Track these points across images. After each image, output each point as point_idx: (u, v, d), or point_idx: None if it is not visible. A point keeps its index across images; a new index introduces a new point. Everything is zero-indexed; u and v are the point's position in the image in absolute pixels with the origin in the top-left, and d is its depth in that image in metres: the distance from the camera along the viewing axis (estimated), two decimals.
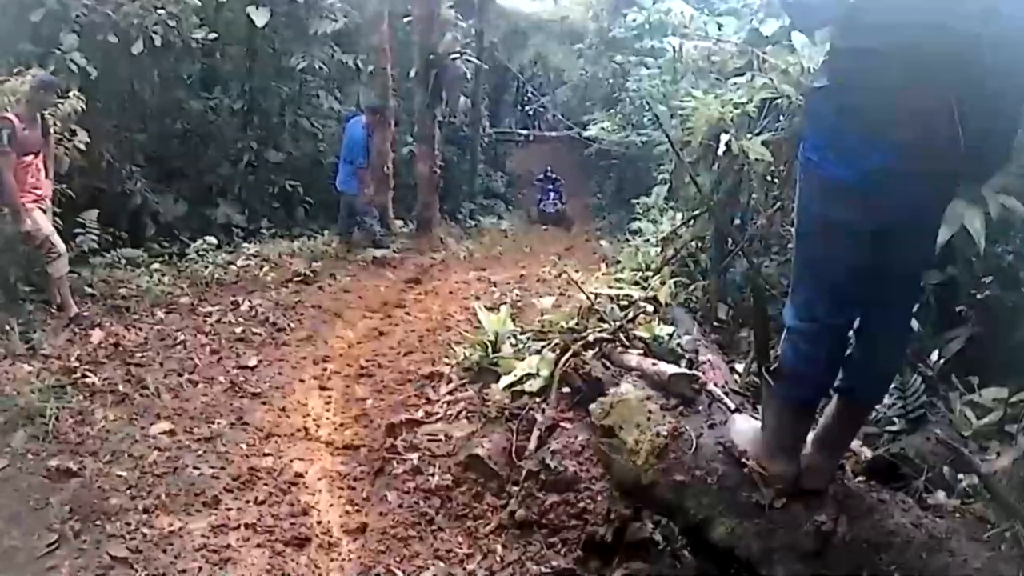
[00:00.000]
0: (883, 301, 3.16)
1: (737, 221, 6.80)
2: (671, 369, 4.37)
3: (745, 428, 3.70)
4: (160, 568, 4.33)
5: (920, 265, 3.33)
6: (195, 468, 5.30)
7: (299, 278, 10.08)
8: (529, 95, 19.76)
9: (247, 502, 4.93)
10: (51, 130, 7.99)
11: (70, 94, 8.77)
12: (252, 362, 7.27)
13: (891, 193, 2.83)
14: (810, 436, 3.38)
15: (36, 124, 7.66)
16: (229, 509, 4.85)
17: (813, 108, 3.08)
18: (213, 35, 11.84)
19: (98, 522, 4.71)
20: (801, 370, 3.25)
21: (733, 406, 4.11)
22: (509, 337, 6.52)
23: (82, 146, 8.87)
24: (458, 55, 13.71)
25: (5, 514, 4.81)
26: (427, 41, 12.72)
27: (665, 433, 3.86)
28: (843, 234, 2.95)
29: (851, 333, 3.24)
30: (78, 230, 9.21)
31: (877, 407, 4.08)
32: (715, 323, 6.59)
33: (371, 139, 11.76)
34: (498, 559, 4.11)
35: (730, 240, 6.51)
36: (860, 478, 3.62)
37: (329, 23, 13.30)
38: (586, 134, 14.72)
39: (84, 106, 8.76)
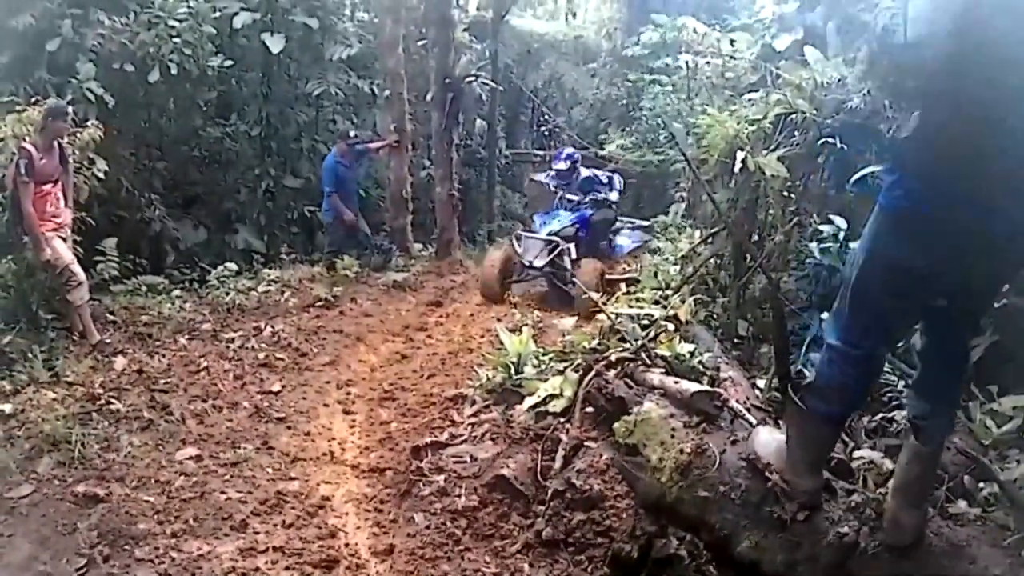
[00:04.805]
0: (947, 334, 3.19)
1: (755, 237, 6.82)
2: (693, 387, 4.42)
3: (768, 440, 3.75)
4: None
5: (988, 303, 3.36)
6: (222, 492, 5.34)
7: (320, 303, 10.10)
8: (544, 116, 19.80)
9: (275, 525, 4.96)
10: (69, 159, 8.07)
11: (88, 123, 8.87)
12: (276, 387, 7.31)
13: (973, 238, 2.84)
14: (890, 487, 3.39)
15: (54, 153, 7.73)
16: (257, 533, 4.88)
17: (902, 151, 3.03)
18: (229, 62, 11.97)
19: (127, 547, 4.75)
20: (835, 387, 3.30)
21: (755, 422, 4.15)
22: (531, 358, 6.53)
23: (101, 174, 8.95)
24: (474, 78, 13.80)
25: (34, 539, 4.86)
26: (443, 65, 12.79)
27: (688, 450, 3.91)
28: (911, 274, 2.99)
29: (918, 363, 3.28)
30: (98, 258, 9.27)
31: (899, 419, 4.11)
32: (735, 340, 6.61)
33: (344, 167, 11.88)
34: None
35: (748, 256, 6.53)
36: (881, 490, 3.64)
37: (344, 48, 13.43)
38: (601, 153, 14.76)
39: (102, 135, 8.85)
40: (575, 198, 11.11)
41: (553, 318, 9.07)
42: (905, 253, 2.96)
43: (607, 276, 10.14)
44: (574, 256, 10.49)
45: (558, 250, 10.41)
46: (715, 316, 6.91)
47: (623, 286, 8.18)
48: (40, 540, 4.85)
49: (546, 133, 22.19)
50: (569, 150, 12.06)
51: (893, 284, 3.04)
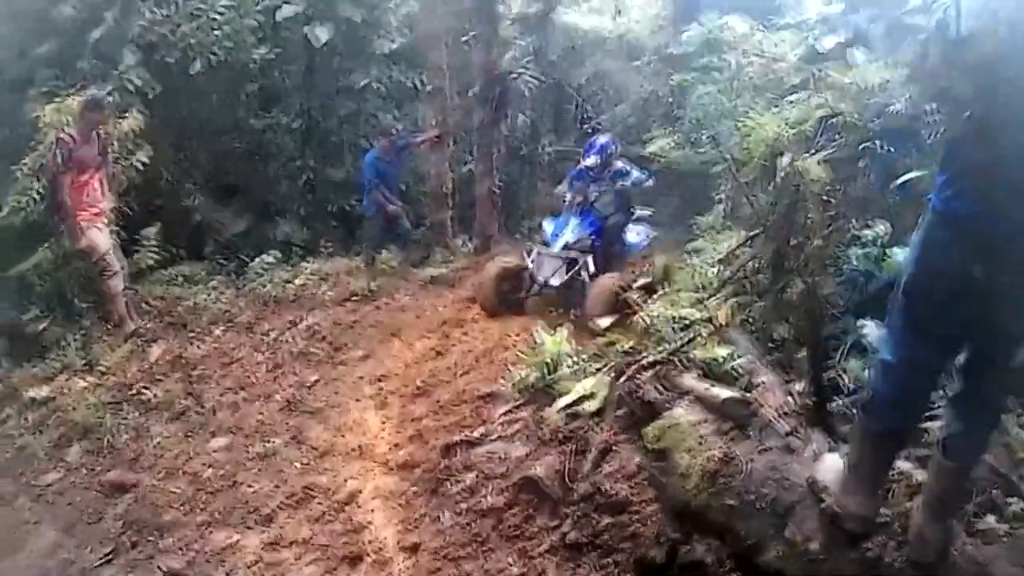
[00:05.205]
0: (993, 348, 3.07)
1: (794, 241, 6.74)
2: (725, 393, 4.37)
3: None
4: None
5: None
6: (250, 485, 5.40)
7: (358, 296, 10.15)
8: (589, 113, 19.72)
9: (301, 519, 5.02)
10: (108, 148, 8.15)
11: (128, 112, 8.97)
12: (310, 380, 7.37)
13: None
14: (917, 502, 3.32)
15: (93, 142, 7.83)
16: (283, 526, 4.94)
17: (952, 151, 2.98)
18: (272, 54, 12.03)
19: (152, 536, 4.84)
20: (887, 402, 3.24)
21: (787, 429, 4.10)
22: (567, 358, 6.50)
23: (141, 164, 9.04)
24: (518, 73, 13.75)
25: (60, 526, 4.95)
26: (487, 59, 12.76)
27: (717, 457, 3.87)
28: (962, 280, 2.90)
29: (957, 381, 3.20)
30: (137, 247, 9.36)
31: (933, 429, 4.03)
32: (772, 343, 6.53)
33: (385, 162, 11.95)
34: None
35: (787, 260, 6.45)
36: (910, 503, 3.57)
37: (388, 42, 13.44)
38: (644, 152, 14.65)
39: (144, 124, 8.94)
40: (594, 197, 10.08)
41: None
42: (956, 257, 2.88)
43: (621, 286, 9.04)
44: (592, 270, 9.62)
45: (577, 267, 9.59)
46: (752, 319, 6.83)
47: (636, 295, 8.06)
48: (66, 527, 4.94)
49: (590, 131, 22.14)
50: (603, 139, 10.83)
51: (945, 290, 2.96)
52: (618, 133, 14.22)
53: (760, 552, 3.58)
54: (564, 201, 10.28)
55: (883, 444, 3.33)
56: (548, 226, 10.23)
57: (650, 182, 10.59)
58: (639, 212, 10.83)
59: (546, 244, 9.92)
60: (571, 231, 9.81)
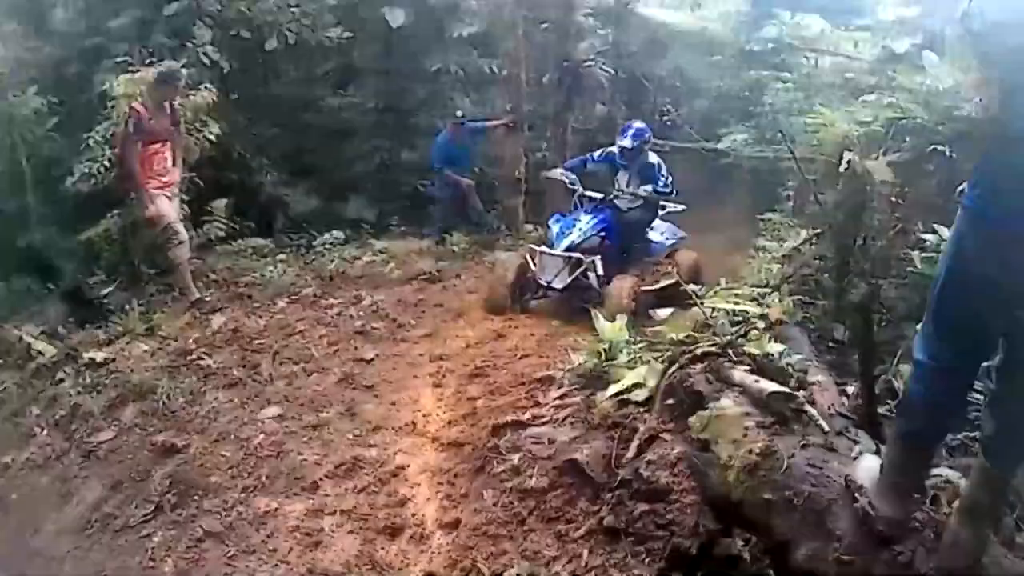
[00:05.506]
0: (1021, 351, 3.02)
1: (859, 242, 6.68)
2: (770, 387, 4.37)
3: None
4: (251, 546, 4.55)
5: None
6: (299, 453, 5.50)
7: (424, 276, 10.24)
8: (667, 106, 19.59)
9: (346, 490, 5.11)
10: (180, 120, 8.33)
11: (201, 86, 9.15)
12: (369, 355, 7.45)
13: None
14: (954, 506, 3.29)
15: (164, 114, 8.01)
16: (327, 495, 5.03)
17: (987, 157, 2.95)
18: (348, 34, 12.15)
19: (196, 497, 4.96)
20: (921, 405, 3.23)
21: (835, 429, 4.09)
22: (624, 346, 6.51)
23: (213, 137, 9.22)
24: (592, 62, 13.75)
25: (108, 482, 5.11)
26: (561, 48, 12.80)
27: (757, 451, 3.87)
28: (988, 279, 2.86)
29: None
30: (206, 218, 9.55)
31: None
32: (831, 344, 6.49)
33: (454, 147, 12.25)
34: (583, 564, 4.16)
35: (850, 261, 6.40)
36: (947, 509, 3.54)
37: (466, 26, 13.52)
38: (719, 147, 14.55)
39: (216, 99, 9.11)
40: (617, 190, 9.47)
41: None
42: (985, 257, 2.85)
43: (642, 289, 8.71)
44: (600, 272, 9.08)
45: (581, 268, 9.02)
46: (814, 319, 6.79)
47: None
48: (113, 484, 5.09)
49: (668, 123, 22.01)
50: (639, 125, 9.90)
51: (975, 290, 2.93)
52: (694, 128, 14.12)
53: (793, 549, 3.58)
54: (572, 188, 9.72)
55: (913, 447, 3.31)
56: (555, 225, 9.55)
57: (673, 196, 9.88)
58: (669, 208, 10.10)
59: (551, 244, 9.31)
60: (578, 231, 9.21)
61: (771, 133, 13.37)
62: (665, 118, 21.85)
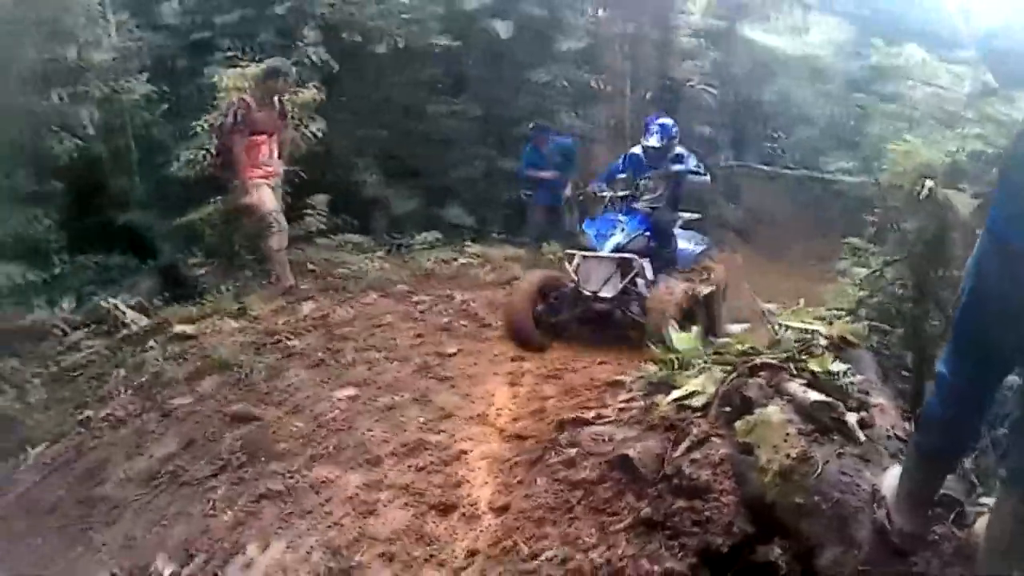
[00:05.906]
0: None
1: (940, 272, 6.67)
2: (814, 396, 4.47)
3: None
4: (308, 508, 4.80)
5: None
6: (368, 430, 5.72)
7: (515, 281, 10.36)
8: (774, 132, 19.51)
9: (407, 467, 5.31)
10: (287, 114, 8.69)
11: (308, 85, 9.51)
12: (451, 350, 7.65)
13: None
14: (980, 525, 3.36)
15: (271, 107, 8.36)
16: (388, 470, 5.24)
17: (1008, 178, 3.03)
18: (457, 43, 12.46)
19: (263, 459, 5.22)
20: (937, 420, 3.32)
21: (863, 438, 4.18)
22: (696, 357, 6.61)
23: (319, 134, 9.57)
24: (695, 82, 13.85)
25: (181, 441, 5.40)
26: (662, 67, 12.94)
27: (794, 455, 3.98)
28: (1002, 302, 2.93)
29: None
30: (307, 212, 9.89)
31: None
32: (904, 371, 6.51)
33: (539, 155, 12.43)
34: (619, 553, 4.29)
35: (928, 290, 6.41)
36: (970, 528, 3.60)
37: (572, 41, 13.73)
38: (822, 175, 14.50)
39: (322, 97, 9.46)
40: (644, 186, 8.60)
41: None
42: (1005, 280, 2.91)
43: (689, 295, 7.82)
44: (651, 276, 8.17)
45: (633, 272, 8.04)
46: (888, 345, 6.81)
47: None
48: (186, 442, 5.40)
49: (775, 150, 21.90)
50: (666, 120, 9.04)
51: (995, 309, 2.98)
52: (799, 154, 14.09)
53: (817, 554, 3.68)
54: (602, 195, 8.63)
55: (929, 463, 3.38)
56: (590, 229, 8.48)
57: (707, 178, 9.15)
58: (686, 216, 9.29)
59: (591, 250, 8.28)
60: (621, 230, 8.23)
61: (876, 162, 13.33)
62: (774, 144, 21.80)
